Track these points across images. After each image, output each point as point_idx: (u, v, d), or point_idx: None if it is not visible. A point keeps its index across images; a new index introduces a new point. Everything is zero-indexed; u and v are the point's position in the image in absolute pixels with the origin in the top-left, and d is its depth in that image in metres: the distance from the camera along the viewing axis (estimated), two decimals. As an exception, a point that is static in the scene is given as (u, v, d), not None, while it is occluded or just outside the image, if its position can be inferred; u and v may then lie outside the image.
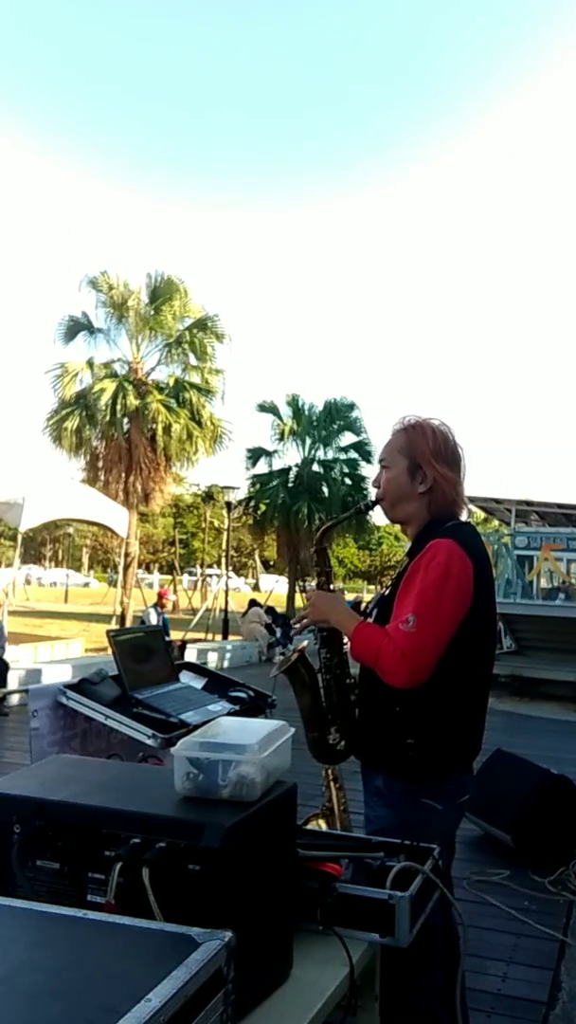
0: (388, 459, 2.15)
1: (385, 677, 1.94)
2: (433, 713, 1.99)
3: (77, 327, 19.72)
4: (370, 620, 2.14)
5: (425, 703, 1.97)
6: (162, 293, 19.74)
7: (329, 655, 2.21)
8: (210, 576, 33.65)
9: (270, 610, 17.11)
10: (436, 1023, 2.03)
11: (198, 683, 3.48)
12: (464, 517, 2.17)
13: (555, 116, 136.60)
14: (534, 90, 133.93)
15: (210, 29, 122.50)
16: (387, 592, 2.20)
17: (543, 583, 15.45)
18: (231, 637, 17.40)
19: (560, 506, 15.93)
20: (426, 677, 1.91)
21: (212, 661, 12.51)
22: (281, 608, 19.67)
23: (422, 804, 2.00)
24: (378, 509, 2.25)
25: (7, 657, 9.20)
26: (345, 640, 2.20)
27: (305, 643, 2.29)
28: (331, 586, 2.26)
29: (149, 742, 2.74)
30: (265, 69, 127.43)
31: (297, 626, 2.28)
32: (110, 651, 3.10)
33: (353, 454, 23.60)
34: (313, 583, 2.29)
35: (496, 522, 18.76)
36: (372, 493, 2.23)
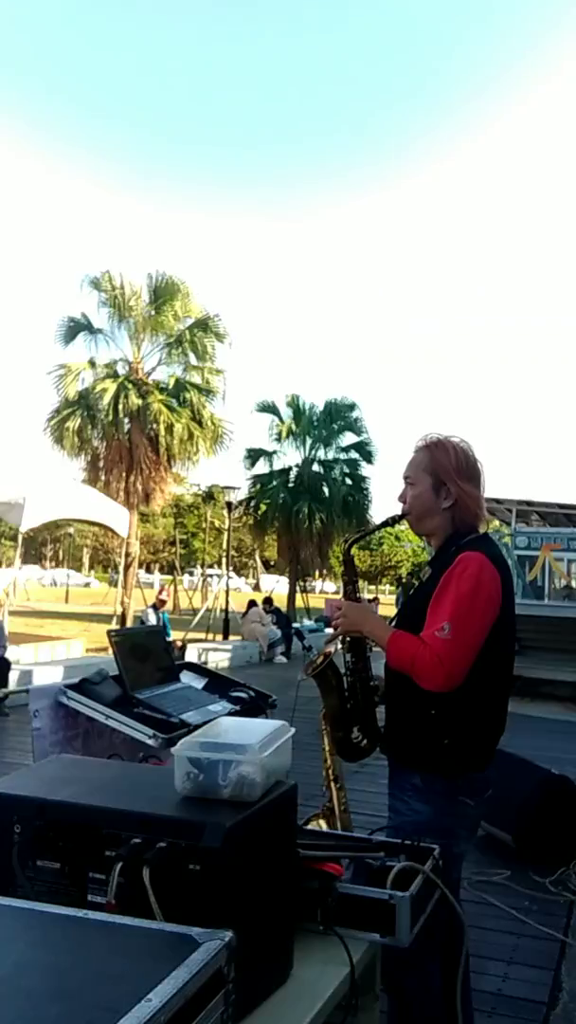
0: (413, 476, 2.25)
1: (421, 682, 2.03)
2: (466, 714, 2.08)
3: (77, 328, 19.67)
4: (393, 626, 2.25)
5: (459, 705, 2.06)
6: (163, 293, 19.69)
7: (355, 659, 2.32)
8: (211, 576, 33.62)
9: (275, 610, 17.07)
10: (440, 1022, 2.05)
11: (199, 683, 3.48)
12: (482, 529, 2.27)
13: (559, 121, 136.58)
14: (537, 95, 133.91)
15: (215, 35, 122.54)
16: (411, 598, 2.30)
17: (552, 583, 15.43)
18: (231, 637, 17.39)
19: (561, 506, 15.90)
20: (461, 681, 2.01)
21: (212, 661, 12.51)
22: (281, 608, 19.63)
23: (459, 801, 2.11)
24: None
25: (8, 656, 9.18)
26: (370, 645, 2.30)
27: (332, 648, 2.36)
28: (357, 594, 2.39)
29: (150, 742, 2.74)
30: (270, 74, 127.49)
31: (330, 633, 2.39)
32: (111, 651, 3.11)
33: (354, 454, 23.55)
34: (340, 592, 2.40)
35: (497, 522, 18.75)
36: (398, 508, 2.33)
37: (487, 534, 2.27)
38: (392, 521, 2.40)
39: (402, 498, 2.29)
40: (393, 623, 2.27)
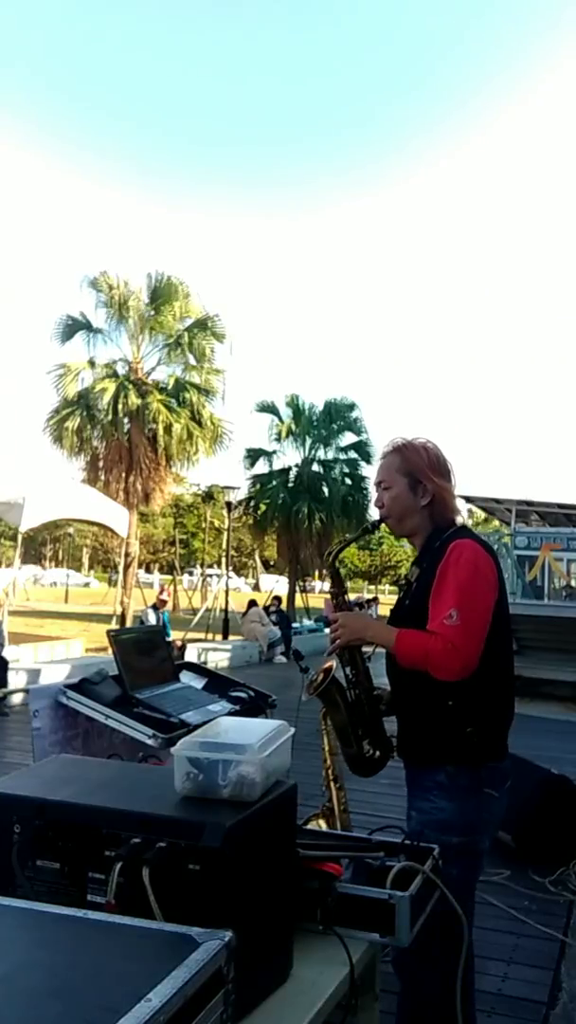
0: (387, 479, 2.26)
1: (437, 673, 2.02)
2: (483, 700, 2.10)
3: (75, 327, 19.65)
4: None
5: (474, 692, 2.07)
6: (163, 293, 19.68)
7: (354, 671, 2.30)
8: (210, 576, 33.62)
9: (277, 610, 17.04)
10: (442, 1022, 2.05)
11: (198, 683, 3.48)
12: (459, 522, 2.28)
13: (560, 119, 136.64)
14: (539, 93, 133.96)
15: (216, 34, 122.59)
16: (403, 597, 2.28)
17: (552, 583, 15.43)
18: (231, 637, 17.39)
19: (560, 506, 15.93)
20: (475, 666, 2.01)
21: (212, 661, 12.50)
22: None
23: (484, 793, 2.11)
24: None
25: (6, 655, 9.16)
26: (367, 651, 2.29)
27: (332, 663, 2.34)
28: (350, 605, 2.38)
29: (150, 742, 2.74)
30: (270, 73, 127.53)
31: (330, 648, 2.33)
32: (111, 651, 3.11)
33: (353, 454, 23.54)
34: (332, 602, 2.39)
35: (496, 522, 18.76)
36: (376, 513, 2.34)
37: (465, 525, 2.29)
38: (372, 527, 2.42)
39: (379, 503, 2.30)
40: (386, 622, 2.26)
